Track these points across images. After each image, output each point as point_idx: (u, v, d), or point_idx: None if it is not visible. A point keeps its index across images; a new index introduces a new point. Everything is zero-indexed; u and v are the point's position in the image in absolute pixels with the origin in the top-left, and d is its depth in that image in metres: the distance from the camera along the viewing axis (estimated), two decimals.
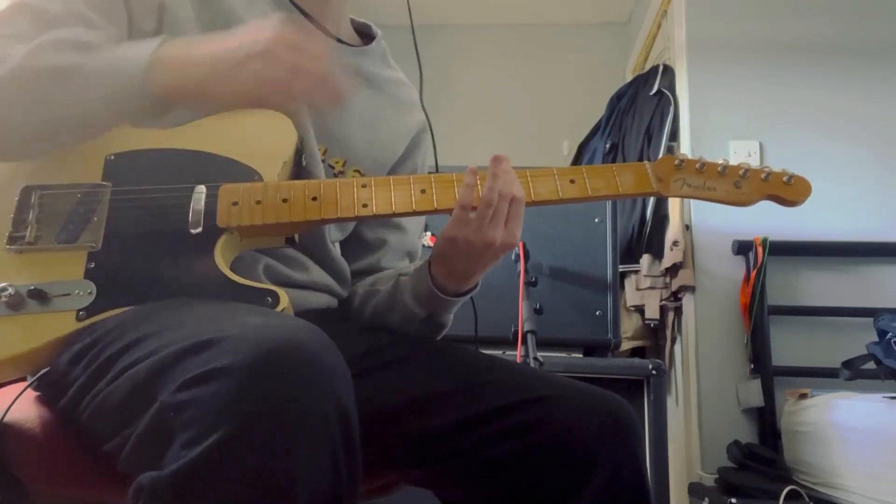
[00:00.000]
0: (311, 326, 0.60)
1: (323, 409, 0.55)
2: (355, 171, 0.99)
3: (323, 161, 0.96)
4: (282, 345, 0.55)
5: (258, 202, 0.82)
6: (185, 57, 0.78)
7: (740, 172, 0.89)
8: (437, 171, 1.06)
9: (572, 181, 0.88)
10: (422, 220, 1.13)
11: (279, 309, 0.74)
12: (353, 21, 1.07)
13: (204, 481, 0.51)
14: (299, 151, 0.89)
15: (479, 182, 0.84)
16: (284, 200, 0.82)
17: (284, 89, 0.79)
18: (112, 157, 0.84)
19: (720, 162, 0.90)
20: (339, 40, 1.00)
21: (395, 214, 0.86)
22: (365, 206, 0.84)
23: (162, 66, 0.77)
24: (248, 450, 0.51)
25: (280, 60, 0.77)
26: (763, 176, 0.89)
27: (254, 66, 0.77)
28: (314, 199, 0.83)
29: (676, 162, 0.89)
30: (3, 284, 0.73)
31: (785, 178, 0.88)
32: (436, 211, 0.86)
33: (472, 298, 0.95)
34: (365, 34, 1.08)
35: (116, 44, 0.81)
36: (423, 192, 0.86)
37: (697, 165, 0.89)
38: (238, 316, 0.62)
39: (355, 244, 1.05)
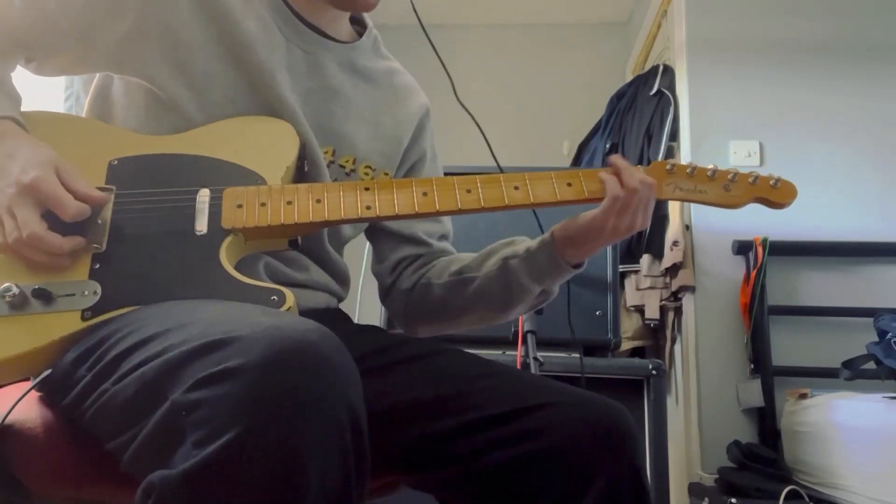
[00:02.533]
0: (321, 327, 0.60)
1: (334, 409, 0.56)
2: (366, 167, 1.00)
3: (332, 162, 0.97)
4: (294, 345, 0.56)
5: (263, 204, 0.82)
6: None
7: (729, 176, 0.93)
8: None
9: (569, 184, 0.91)
10: None
11: (285, 308, 0.74)
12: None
13: (215, 480, 0.52)
14: (302, 156, 0.90)
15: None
16: (289, 203, 0.83)
17: (11, 242, 0.76)
18: (116, 162, 0.85)
19: (710, 167, 0.94)
20: (334, 38, 1.00)
21: (397, 216, 0.87)
22: (368, 208, 0.85)
23: None
24: (260, 449, 0.52)
25: (14, 216, 0.75)
26: (751, 180, 0.93)
27: None
28: (318, 201, 0.84)
29: (668, 167, 0.94)
30: (7, 285, 0.74)
31: (772, 182, 0.93)
32: (438, 213, 0.87)
33: None
34: (360, 23, 1.07)
35: None
36: (424, 194, 0.87)
37: (688, 170, 0.94)
38: (249, 316, 0.62)
39: (386, 237, 1.06)
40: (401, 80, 1.08)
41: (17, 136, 0.82)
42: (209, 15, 0.89)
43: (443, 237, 1.10)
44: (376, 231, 1.07)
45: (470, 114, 1.08)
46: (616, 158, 0.93)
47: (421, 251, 1.06)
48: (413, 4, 1.02)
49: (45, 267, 0.77)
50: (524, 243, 0.98)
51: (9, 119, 0.84)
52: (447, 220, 1.11)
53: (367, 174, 0.99)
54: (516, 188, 0.89)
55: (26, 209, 0.75)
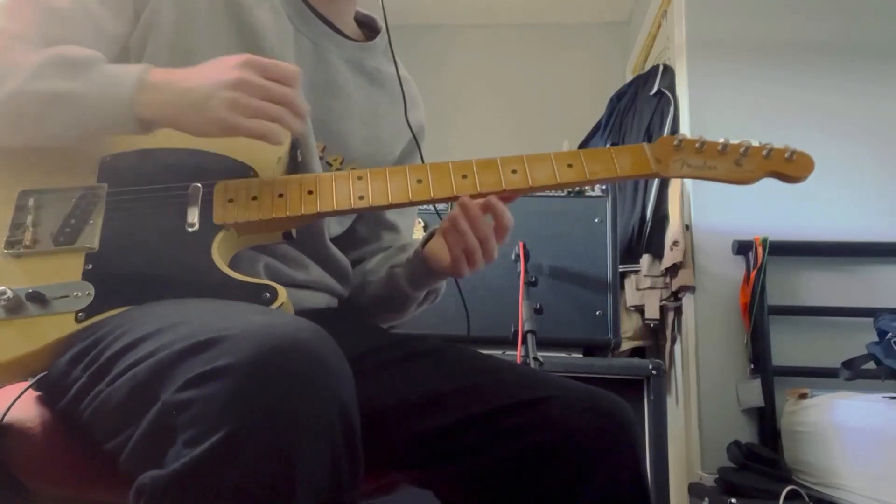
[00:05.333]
0: (313, 326, 0.60)
1: (325, 409, 0.55)
2: (352, 168, 0.99)
3: (321, 158, 0.96)
4: (285, 344, 0.56)
5: (254, 198, 0.82)
6: (165, 87, 0.78)
7: (741, 150, 0.87)
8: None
9: (570, 165, 0.87)
10: (414, 219, 1.14)
11: (277, 304, 0.74)
12: (357, 13, 1.07)
13: (206, 480, 0.52)
14: (294, 146, 0.89)
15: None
16: (280, 195, 0.82)
17: (249, 124, 0.78)
18: (107, 159, 0.84)
19: (720, 141, 0.88)
20: (344, 35, 1.00)
21: (391, 205, 0.85)
22: (361, 198, 0.84)
23: (145, 95, 0.78)
24: (250, 448, 0.52)
25: (244, 99, 0.76)
26: (765, 153, 0.87)
27: (219, 104, 0.76)
28: (310, 192, 0.83)
29: (675, 142, 0.88)
30: (1, 288, 0.73)
31: (787, 154, 0.87)
32: (432, 200, 0.86)
33: (463, 299, 0.96)
34: (369, 27, 1.08)
35: (108, 64, 0.82)
36: (419, 181, 0.85)
37: (697, 145, 0.88)
38: (241, 315, 0.62)
39: (351, 240, 1.06)
40: (407, 89, 1.07)
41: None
42: (224, 4, 0.90)
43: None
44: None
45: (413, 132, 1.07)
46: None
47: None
48: (382, 2, 1.02)
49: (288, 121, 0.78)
50: (412, 248, 0.98)
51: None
52: (408, 234, 1.12)
53: (350, 171, 0.99)
54: (514, 171, 0.86)
55: (256, 78, 0.76)
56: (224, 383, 0.53)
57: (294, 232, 0.87)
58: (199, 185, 0.82)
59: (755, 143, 0.88)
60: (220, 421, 0.52)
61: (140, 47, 0.89)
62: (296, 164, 0.90)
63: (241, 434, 0.52)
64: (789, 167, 0.87)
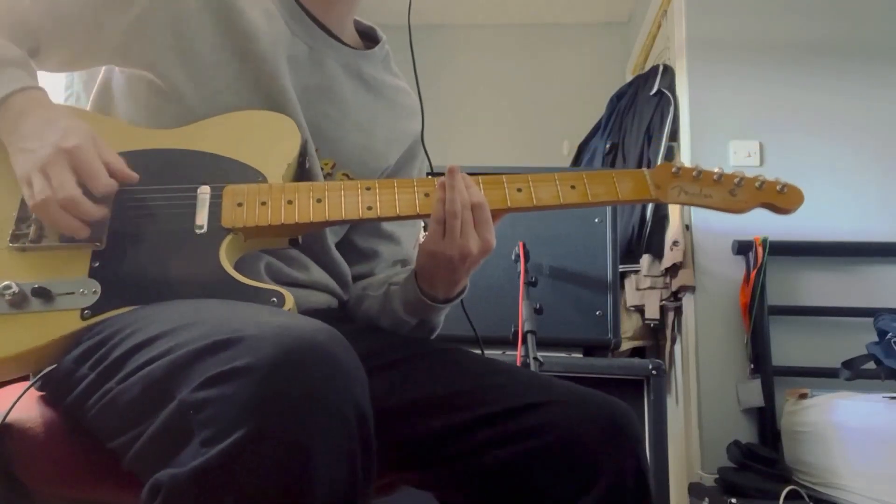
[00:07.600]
0: (327, 327, 0.60)
1: (342, 409, 0.56)
2: (343, 174, 0.98)
3: None
4: (302, 344, 0.56)
5: (263, 203, 0.82)
6: (12, 116, 0.81)
7: (735, 181, 0.92)
8: (432, 172, 1.06)
9: (573, 187, 0.89)
10: (416, 230, 1.13)
11: (285, 309, 0.74)
12: (358, 24, 1.06)
13: (224, 479, 0.52)
14: (303, 153, 0.90)
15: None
16: (289, 202, 0.83)
17: (39, 201, 0.77)
18: None
19: (716, 170, 0.92)
20: (342, 42, 1.00)
21: (399, 217, 0.86)
22: (370, 208, 0.85)
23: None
24: (268, 447, 0.52)
25: (48, 176, 0.76)
26: (757, 185, 0.92)
27: (29, 166, 0.77)
28: (319, 201, 0.84)
29: (674, 170, 0.92)
30: (6, 283, 0.73)
31: (778, 188, 0.92)
32: None
33: (462, 302, 0.95)
34: (369, 37, 1.07)
35: (17, 67, 0.84)
36: (426, 195, 0.86)
37: (694, 173, 0.92)
38: (256, 315, 0.63)
39: (348, 251, 1.04)
40: (405, 100, 1.06)
41: (55, 106, 0.84)
42: (215, 6, 0.89)
43: (398, 262, 1.09)
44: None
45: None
46: (449, 172, 0.83)
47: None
48: (409, 4, 1.01)
49: (68, 230, 0.77)
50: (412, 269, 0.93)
51: (42, 90, 0.84)
52: (409, 245, 1.10)
53: (355, 181, 0.99)
54: (519, 190, 0.88)
55: (63, 172, 0.76)
56: (243, 383, 0.53)
57: (300, 238, 0.87)
58: (207, 187, 0.82)
59: (749, 175, 0.93)
60: (239, 421, 0.52)
61: (138, 43, 0.88)
62: (303, 170, 0.90)
63: (260, 434, 0.52)
64: (780, 199, 0.92)
